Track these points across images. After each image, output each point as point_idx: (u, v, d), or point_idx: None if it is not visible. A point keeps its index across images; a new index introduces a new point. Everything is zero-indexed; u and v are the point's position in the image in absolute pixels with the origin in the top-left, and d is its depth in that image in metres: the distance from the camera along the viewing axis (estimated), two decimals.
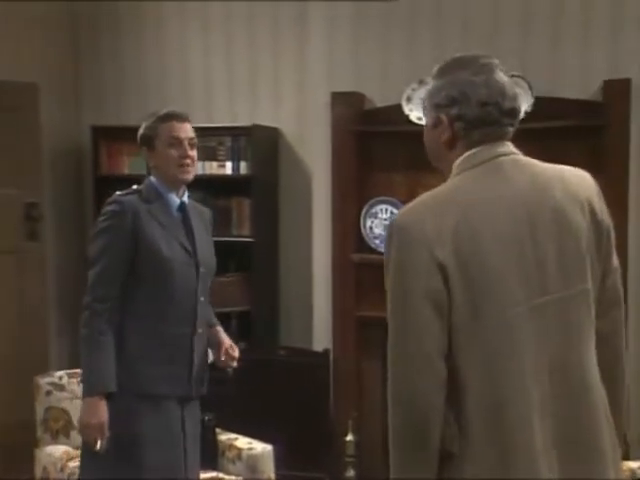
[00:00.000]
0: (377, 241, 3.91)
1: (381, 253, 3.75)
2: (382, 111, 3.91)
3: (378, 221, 3.91)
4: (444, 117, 1.64)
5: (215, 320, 2.81)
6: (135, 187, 2.66)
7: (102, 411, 2.48)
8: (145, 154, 2.67)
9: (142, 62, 4.72)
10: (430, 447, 1.53)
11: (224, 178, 4.30)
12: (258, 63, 4.49)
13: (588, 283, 1.62)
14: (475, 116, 1.62)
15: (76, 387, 3.18)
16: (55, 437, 3.32)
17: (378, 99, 3.95)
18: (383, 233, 3.89)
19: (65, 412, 3.28)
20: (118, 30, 4.75)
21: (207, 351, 2.70)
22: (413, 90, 3.80)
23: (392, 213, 3.90)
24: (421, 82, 3.77)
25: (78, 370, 3.18)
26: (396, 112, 3.81)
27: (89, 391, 2.51)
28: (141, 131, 2.66)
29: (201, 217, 2.75)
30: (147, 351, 2.54)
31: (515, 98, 1.65)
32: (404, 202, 3.87)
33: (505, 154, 1.64)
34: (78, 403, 3.10)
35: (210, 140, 4.22)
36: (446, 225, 1.53)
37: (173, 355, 2.57)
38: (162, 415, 2.56)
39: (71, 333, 4.74)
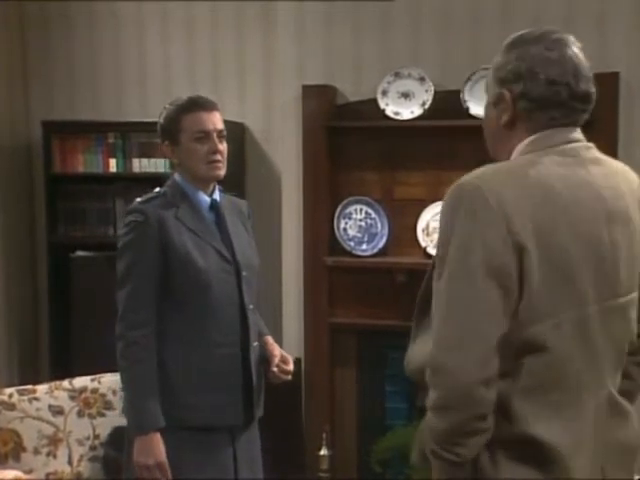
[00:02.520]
0: (351, 243, 3.72)
1: (356, 256, 3.69)
2: (356, 105, 3.74)
3: (352, 222, 3.73)
4: (507, 93, 1.50)
5: (264, 328, 2.52)
6: (157, 190, 2.36)
7: (158, 449, 2.22)
8: (167, 150, 2.36)
9: (96, 53, 4.45)
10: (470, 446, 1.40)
11: None
12: (221, 53, 4.26)
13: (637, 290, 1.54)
14: (540, 95, 1.47)
15: (27, 405, 2.93)
16: (4, 461, 3.04)
17: (351, 93, 3.77)
18: (358, 234, 3.72)
19: (15, 433, 3.00)
20: (69, 19, 4.46)
21: (262, 366, 2.42)
22: (389, 83, 3.64)
23: (367, 214, 3.72)
24: (397, 74, 3.64)
25: (29, 387, 2.97)
26: (371, 106, 3.65)
27: (139, 429, 2.23)
28: (161, 122, 2.34)
29: (237, 212, 2.47)
30: (190, 379, 2.27)
31: (590, 80, 1.49)
32: (380, 202, 3.72)
33: (578, 140, 1.50)
34: (30, 423, 2.89)
35: None
36: (526, 200, 1.38)
37: (222, 380, 2.29)
38: (211, 450, 2.29)
39: (21, 346, 4.50)
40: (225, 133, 2.36)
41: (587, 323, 1.44)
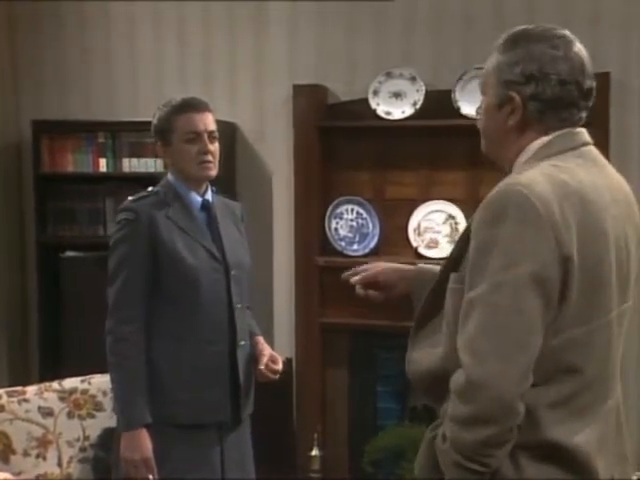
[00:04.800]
0: (343, 243, 3.71)
1: (347, 256, 3.68)
2: (347, 105, 3.74)
3: (344, 222, 3.72)
4: (516, 96, 1.46)
5: (256, 328, 2.55)
6: (150, 189, 2.40)
7: (145, 445, 2.24)
8: (160, 150, 2.40)
9: (86, 52, 4.42)
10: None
11: None
12: (213, 52, 4.22)
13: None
14: (553, 96, 1.44)
15: (17, 407, 2.90)
16: None
17: (343, 92, 3.78)
18: (349, 234, 3.71)
19: (4, 435, 2.97)
20: (59, 19, 4.43)
21: (252, 365, 2.44)
22: (380, 83, 3.64)
23: (358, 213, 3.71)
24: (388, 74, 3.63)
25: (19, 388, 2.94)
26: (362, 106, 3.65)
27: (126, 425, 2.26)
28: (155, 123, 2.37)
29: (230, 214, 2.50)
30: (179, 376, 2.30)
31: (593, 77, 1.47)
32: (371, 202, 3.72)
33: (590, 142, 1.48)
34: (19, 425, 2.86)
35: None
36: (570, 209, 1.35)
37: (210, 377, 2.32)
38: (198, 448, 2.31)
39: (10, 348, 4.46)
40: (217, 134, 2.38)
41: (611, 328, 1.43)
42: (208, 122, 2.35)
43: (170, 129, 2.33)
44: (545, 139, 1.47)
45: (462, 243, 1.47)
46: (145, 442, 2.25)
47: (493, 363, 1.31)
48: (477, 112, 1.60)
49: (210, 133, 2.35)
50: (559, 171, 1.41)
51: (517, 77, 1.46)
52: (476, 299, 1.34)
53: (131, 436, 2.25)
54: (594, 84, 1.49)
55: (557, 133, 1.47)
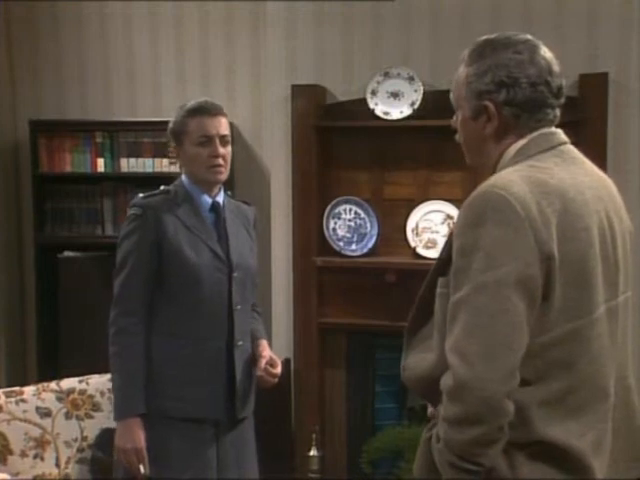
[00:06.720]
0: (341, 243, 3.71)
1: (345, 256, 3.68)
2: (345, 105, 3.73)
3: (342, 222, 3.71)
4: (490, 104, 1.49)
5: (261, 332, 2.57)
6: (162, 188, 2.44)
7: (137, 435, 2.27)
8: (173, 151, 2.44)
9: (84, 52, 4.43)
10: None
11: (175, 176, 3.98)
12: (211, 52, 4.24)
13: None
14: (526, 99, 1.47)
15: (15, 407, 2.89)
16: None
17: (341, 92, 3.76)
18: (347, 234, 3.71)
19: (2, 436, 2.97)
20: (56, 18, 4.43)
21: (252, 367, 2.46)
22: (378, 83, 3.63)
23: (356, 213, 3.70)
24: (386, 74, 3.63)
25: (17, 388, 2.94)
26: (360, 106, 3.64)
27: (120, 414, 2.30)
28: (170, 125, 2.42)
29: (242, 217, 2.53)
30: (174, 370, 2.33)
31: (561, 75, 1.51)
32: (369, 202, 3.71)
33: (567, 141, 1.51)
34: (17, 425, 2.85)
35: (159, 135, 3.96)
36: (549, 208, 1.38)
37: (206, 374, 2.34)
38: (193, 443, 2.33)
39: (8, 348, 4.45)
40: (229, 138, 2.40)
41: (600, 324, 1.44)
42: (220, 126, 2.36)
43: (183, 132, 2.36)
44: (522, 142, 1.50)
45: (448, 247, 1.49)
46: (138, 432, 2.28)
47: (479, 364, 1.33)
48: (453, 125, 1.62)
49: (222, 137, 2.37)
50: (537, 171, 1.43)
51: (488, 86, 1.49)
52: (461, 301, 1.37)
53: (125, 425, 2.29)
54: (564, 82, 1.52)
55: (533, 135, 1.50)
